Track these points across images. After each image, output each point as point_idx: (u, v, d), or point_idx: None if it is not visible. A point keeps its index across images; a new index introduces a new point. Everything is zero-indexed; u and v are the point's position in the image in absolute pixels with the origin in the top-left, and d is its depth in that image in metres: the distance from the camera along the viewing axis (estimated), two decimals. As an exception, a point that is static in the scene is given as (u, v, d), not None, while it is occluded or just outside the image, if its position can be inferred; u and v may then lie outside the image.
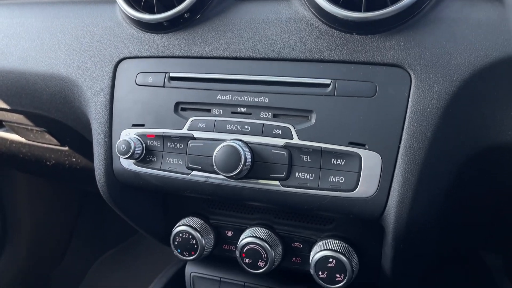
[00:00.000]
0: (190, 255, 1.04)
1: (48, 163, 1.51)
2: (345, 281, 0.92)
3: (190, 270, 1.23)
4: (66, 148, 1.34)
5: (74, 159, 1.39)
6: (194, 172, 0.92)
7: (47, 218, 2.22)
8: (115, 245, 2.52)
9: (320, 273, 0.93)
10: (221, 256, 1.09)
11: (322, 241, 0.96)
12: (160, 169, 0.94)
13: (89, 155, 1.17)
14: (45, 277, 2.29)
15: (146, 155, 0.95)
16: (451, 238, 1.11)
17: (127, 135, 0.95)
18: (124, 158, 0.93)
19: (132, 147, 0.92)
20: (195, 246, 1.03)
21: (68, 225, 2.32)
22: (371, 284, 1.09)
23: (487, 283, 1.62)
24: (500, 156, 0.82)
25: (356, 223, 0.96)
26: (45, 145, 1.37)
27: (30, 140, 1.39)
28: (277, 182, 0.86)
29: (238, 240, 1.00)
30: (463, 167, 0.81)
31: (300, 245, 1.01)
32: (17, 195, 2.13)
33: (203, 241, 1.03)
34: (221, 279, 1.19)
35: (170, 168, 0.93)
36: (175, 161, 0.93)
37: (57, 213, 2.27)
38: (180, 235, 1.03)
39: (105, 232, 2.49)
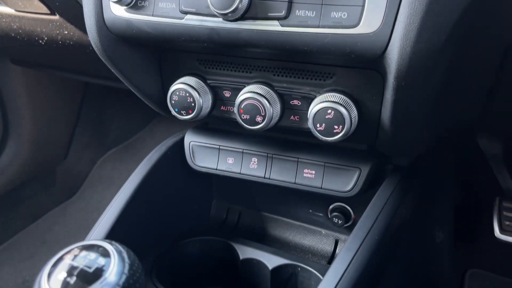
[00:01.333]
0: (187, 114, 1.02)
1: (40, 41, 1.46)
2: (343, 132, 0.90)
3: (189, 140, 1.23)
4: (57, 17, 1.29)
5: (66, 32, 1.34)
6: (188, 16, 0.87)
7: (47, 114, 2.22)
8: (116, 144, 2.55)
9: (318, 125, 0.91)
10: (220, 118, 1.08)
11: (321, 95, 0.94)
12: (152, 15, 0.89)
13: (81, 24, 1.11)
14: (50, 172, 2.35)
15: (137, 0, 0.90)
16: (448, 108, 1.08)
17: (117, -21, 0.89)
18: (114, 2, 0.88)
19: (122, -10, 0.87)
20: (193, 104, 1.01)
21: (69, 121, 2.33)
22: (367, 152, 1.09)
23: (483, 170, 1.64)
24: None
25: (357, 76, 0.93)
26: (35, 16, 1.31)
27: (20, 11, 1.33)
28: (276, 22, 0.82)
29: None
30: (469, 5, 0.75)
31: (298, 103, 0.99)
32: (15, 90, 2.11)
33: (201, 100, 1.01)
34: (220, 147, 1.20)
35: (163, 13, 0.88)
36: (168, 5, 0.88)
37: (58, 108, 2.26)
38: (177, 93, 1.01)
39: (106, 131, 2.51)
